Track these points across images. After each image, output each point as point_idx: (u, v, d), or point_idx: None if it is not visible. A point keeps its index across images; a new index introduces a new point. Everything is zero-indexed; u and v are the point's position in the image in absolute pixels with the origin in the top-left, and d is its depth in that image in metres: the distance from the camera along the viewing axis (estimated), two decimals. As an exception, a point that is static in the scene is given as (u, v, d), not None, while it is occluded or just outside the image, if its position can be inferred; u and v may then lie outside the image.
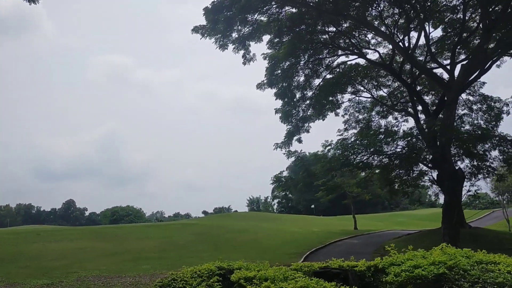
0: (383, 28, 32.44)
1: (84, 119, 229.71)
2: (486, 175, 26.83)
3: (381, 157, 23.43)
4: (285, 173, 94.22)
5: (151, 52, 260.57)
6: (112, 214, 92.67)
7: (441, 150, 21.02)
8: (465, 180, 21.94)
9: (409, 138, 23.27)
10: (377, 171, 28.61)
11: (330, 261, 9.20)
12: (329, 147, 24.81)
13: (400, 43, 27.26)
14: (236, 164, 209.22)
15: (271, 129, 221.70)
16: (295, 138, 28.11)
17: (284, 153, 27.02)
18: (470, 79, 22.41)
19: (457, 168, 23.19)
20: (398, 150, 25.37)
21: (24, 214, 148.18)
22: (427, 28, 27.88)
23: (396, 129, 31.53)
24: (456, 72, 25.65)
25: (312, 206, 79.65)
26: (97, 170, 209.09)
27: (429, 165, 26.56)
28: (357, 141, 23.13)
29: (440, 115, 26.87)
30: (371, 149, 22.10)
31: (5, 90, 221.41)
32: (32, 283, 15.11)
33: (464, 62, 24.93)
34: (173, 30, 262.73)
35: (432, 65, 28.36)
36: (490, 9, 22.02)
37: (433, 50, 30.08)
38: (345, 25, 30.29)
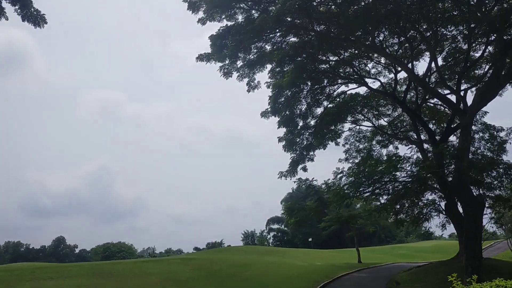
0: (382, 59, 32.71)
1: (75, 154, 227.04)
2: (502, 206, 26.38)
3: (391, 184, 22.83)
4: (281, 207, 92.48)
5: (142, 87, 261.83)
6: (104, 250, 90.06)
7: (458, 176, 20.47)
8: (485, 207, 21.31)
9: (421, 165, 22.73)
10: (382, 201, 27.99)
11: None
12: (341, 175, 24.24)
13: (404, 70, 27.25)
14: (227, 198, 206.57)
15: (262, 162, 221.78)
16: (300, 166, 27.50)
17: (294, 181, 26.35)
18: (485, 103, 22.18)
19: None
20: (403, 179, 24.86)
21: (12, 252, 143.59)
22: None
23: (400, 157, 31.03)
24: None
25: (310, 239, 78.10)
26: (87, 205, 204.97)
27: (438, 193, 26.03)
28: (369, 169, 22.56)
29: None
30: (386, 177, 21.56)
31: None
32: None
33: (478, 86, 24.89)
34: (164, 66, 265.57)
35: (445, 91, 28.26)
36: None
37: (433, 78, 30.23)
38: (346, 55, 30.40)
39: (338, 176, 23.69)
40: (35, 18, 13.85)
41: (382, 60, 32.26)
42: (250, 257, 41.63)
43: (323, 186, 27.28)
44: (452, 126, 27.99)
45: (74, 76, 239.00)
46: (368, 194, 22.73)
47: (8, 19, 13.77)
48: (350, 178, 22.50)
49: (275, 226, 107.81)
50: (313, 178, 28.08)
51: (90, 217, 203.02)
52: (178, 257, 47.59)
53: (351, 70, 31.75)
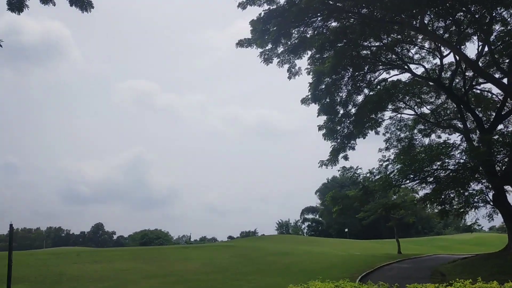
0: (426, 44, 31.56)
1: (111, 144, 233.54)
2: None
3: (439, 173, 22.03)
4: (316, 197, 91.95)
5: (175, 77, 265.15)
6: (141, 237, 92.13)
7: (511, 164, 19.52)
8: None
9: (471, 153, 21.82)
10: (427, 190, 27.15)
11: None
12: (387, 163, 23.57)
13: (455, 53, 26.09)
14: (259, 187, 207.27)
15: (295, 152, 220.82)
16: (341, 155, 27.00)
17: (338, 170, 25.83)
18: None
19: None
20: (452, 167, 23.97)
21: (54, 237, 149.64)
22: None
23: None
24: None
25: (346, 229, 77.25)
26: (123, 193, 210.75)
27: (485, 183, 24.98)
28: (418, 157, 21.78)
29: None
30: (434, 164, 20.82)
31: (34, 115, 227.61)
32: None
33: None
34: (197, 56, 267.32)
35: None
36: None
37: (479, 63, 28.90)
38: (388, 40, 29.51)
39: (384, 164, 23.04)
40: (82, 3, 13.93)
41: (426, 45, 31.13)
42: (286, 245, 41.56)
43: (368, 174, 26.69)
44: (502, 113, 26.69)
45: (108, 67, 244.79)
46: (416, 182, 21.99)
47: (55, 4, 13.89)
48: (397, 166, 21.83)
49: (310, 216, 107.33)
50: (357, 166, 27.47)
51: (126, 204, 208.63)
52: (216, 244, 48.16)
53: (393, 56, 30.85)
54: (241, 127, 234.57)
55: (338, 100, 28.46)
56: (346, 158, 27.12)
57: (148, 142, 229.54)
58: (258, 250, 32.34)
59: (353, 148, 27.72)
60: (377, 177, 23.35)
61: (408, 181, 21.87)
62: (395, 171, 21.71)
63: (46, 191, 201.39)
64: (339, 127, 27.57)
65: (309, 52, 27.09)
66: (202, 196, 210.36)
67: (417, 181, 22.16)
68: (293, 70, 24.68)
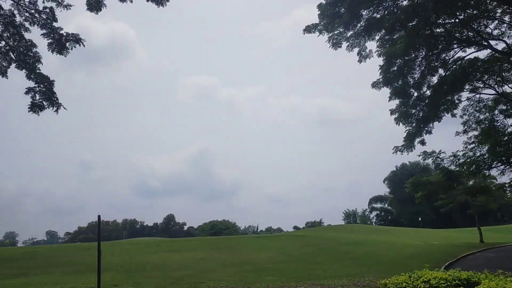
0: (507, 18, 29.15)
1: (177, 138, 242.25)
2: None
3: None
4: (384, 185, 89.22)
5: (234, 71, 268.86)
6: (211, 227, 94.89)
7: None
8: None
9: None
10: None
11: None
12: (472, 145, 22.05)
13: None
14: (323, 178, 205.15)
15: (357, 140, 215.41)
16: (417, 140, 25.73)
17: (419, 155, 24.64)
18: None
19: None
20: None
21: (129, 228, 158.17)
22: None
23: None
24: None
25: (419, 218, 74.35)
26: (190, 186, 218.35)
27: None
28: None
29: None
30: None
31: (105, 114, 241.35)
32: (165, 292, 14.80)
33: None
34: (254, 49, 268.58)
35: None
36: None
37: None
38: (464, 15, 27.62)
39: (469, 146, 21.58)
40: (158, -2, 14.22)
41: (507, 18, 28.79)
42: (358, 235, 40.67)
43: (451, 158, 25.22)
44: None
45: (171, 64, 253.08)
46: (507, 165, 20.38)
47: (132, 1, 14.29)
48: (484, 147, 20.34)
49: (378, 205, 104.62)
50: (440, 150, 26.02)
51: (193, 196, 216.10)
52: (287, 233, 48.27)
53: (470, 33, 28.84)
54: (302, 117, 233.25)
55: (411, 82, 27.11)
56: (423, 143, 25.78)
57: (211, 135, 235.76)
58: (329, 240, 31.89)
59: (430, 132, 26.27)
60: (461, 160, 21.89)
61: (500, 164, 20.24)
62: (484, 153, 20.18)
63: (119, 186, 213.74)
64: (414, 110, 26.25)
65: (378, 34, 26.11)
66: (265, 187, 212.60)
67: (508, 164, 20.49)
68: (363, 53, 23.83)
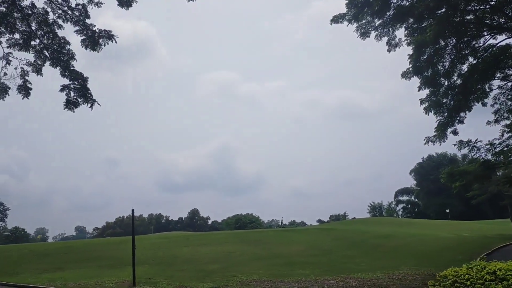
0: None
1: (199, 134, 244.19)
2: None
3: None
4: (411, 178, 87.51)
5: (254, 66, 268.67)
6: (236, 221, 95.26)
7: None
8: None
9: None
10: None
11: None
12: (510, 133, 21.34)
13: None
14: (345, 171, 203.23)
15: (380, 133, 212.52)
16: (449, 130, 25.10)
17: (455, 144, 24.02)
18: None
19: None
20: None
21: (155, 223, 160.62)
22: None
23: None
24: None
25: (447, 210, 72.98)
26: (213, 181, 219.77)
27: None
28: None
29: None
30: None
31: (129, 112, 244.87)
32: (199, 286, 14.86)
33: None
34: (274, 42, 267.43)
35: None
36: None
37: None
38: (495, 1, 26.74)
39: (506, 135, 20.90)
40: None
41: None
42: (386, 228, 40.16)
43: (488, 146, 24.52)
44: None
45: (192, 60, 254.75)
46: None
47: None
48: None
49: (404, 198, 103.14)
50: (476, 139, 25.33)
51: (216, 191, 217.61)
52: (316, 227, 48.07)
53: (501, 19, 27.90)
54: (323, 111, 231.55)
55: (441, 71, 26.44)
56: (455, 132, 25.14)
57: (233, 130, 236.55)
58: (358, 233, 31.56)
59: (462, 122, 25.56)
60: (497, 149, 21.23)
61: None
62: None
63: (144, 181, 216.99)
64: (445, 100, 25.60)
65: (407, 23, 25.55)
66: (288, 181, 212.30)
67: None
68: (392, 42, 23.32)
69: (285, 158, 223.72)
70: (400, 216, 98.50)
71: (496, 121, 31.58)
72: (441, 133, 24.81)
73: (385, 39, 23.19)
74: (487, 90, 30.58)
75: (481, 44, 29.07)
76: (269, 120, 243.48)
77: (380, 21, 22.20)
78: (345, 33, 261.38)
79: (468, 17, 27.53)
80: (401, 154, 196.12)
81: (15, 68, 14.28)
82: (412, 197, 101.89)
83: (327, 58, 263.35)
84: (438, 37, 23.82)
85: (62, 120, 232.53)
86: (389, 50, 23.50)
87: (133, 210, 16.76)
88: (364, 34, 22.50)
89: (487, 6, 26.71)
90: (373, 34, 22.78)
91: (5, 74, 14.22)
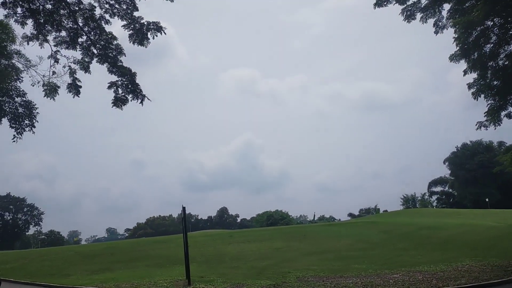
0: None
1: (222, 132, 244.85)
2: None
3: None
4: (444, 167, 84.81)
5: (274, 62, 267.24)
6: (267, 218, 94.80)
7: None
8: None
9: None
10: None
11: None
12: None
13: None
14: (371, 164, 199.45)
15: (405, 124, 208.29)
16: (503, 113, 23.89)
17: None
18: None
19: None
20: None
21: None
22: None
23: None
24: None
25: (487, 199, 70.69)
26: (238, 179, 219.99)
27: None
28: None
29: None
30: None
31: (152, 114, 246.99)
32: (257, 284, 14.35)
33: None
34: (293, 37, 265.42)
35: None
36: None
37: None
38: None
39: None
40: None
41: None
42: (429, 219, 38.93)
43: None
44: None
45: (211, 59, 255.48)
46: None
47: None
48: None
49: (438, 189, 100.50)
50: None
51: (241, 189, 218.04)
52: (360, 220, 47.04)
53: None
54: (346, 104, 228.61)
55: (488, 53, 25.16)
56: (510, 116, 23.93)
57: (255, 127, 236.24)
58: (404, 226, 30.55)
59: (515, 105, 24.35)
60: None
61: None
62: None
63: (170, 182, 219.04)
64: (496, 82, 24.35)
65: (450, 4, 24.43)
66: (313, 176, 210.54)
67: None
68: (439, 23, 22.32)
69: (309, 154, 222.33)
70: (435, 207, 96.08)
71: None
72: (495, 116, 23.63)
73: (431, 21, 22.19)
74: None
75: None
76: (291, 115, 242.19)
77: (426, 1, 21.20)
78: (363, 26, 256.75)
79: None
80: (429, 145, 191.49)
81: (64, 67, 14.05)
82: (446, 188, 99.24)
83: (347, 51, 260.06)
84: (487, 17, 22.64)
85: (87, 123, 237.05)
86: (436, 32, 22.55)
87: (184, 208, 16.38)
88: (409, 17, 21.62)
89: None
90: (418, 16, 21.85)
91: (53, 73, 14.00)
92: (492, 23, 24.27)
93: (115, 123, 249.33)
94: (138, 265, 20.55)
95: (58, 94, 14.50)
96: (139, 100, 13.71)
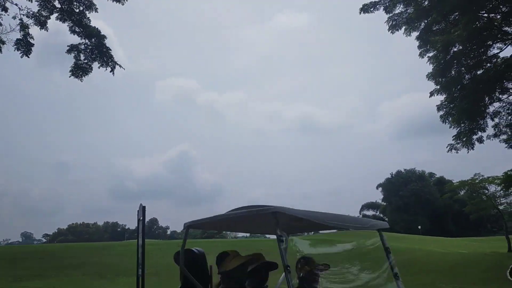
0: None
1: (156, 141, 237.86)
2: None
3: None
4: (378, 192, 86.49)
5: (215, 75, 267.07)
6: (202, 231, 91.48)
7: None
8: None
9: None
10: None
11: None
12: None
13: None
14: (303, 185, 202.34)
15: (338, 149, 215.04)
16: (475, 137, 23.74)
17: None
18: None
19: None
20: None
21: (111, 231, 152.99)
22: None
23: None
24: None
25: (419, 226, 72.97)
26: (169, 190, 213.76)
27: None
28: None
29: None
30: None
31: (83, 116, 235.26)
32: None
33: None
34: (235, 53, 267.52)
35: None
36: None
37: None
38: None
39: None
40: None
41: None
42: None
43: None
44: None
45: (150, 65, 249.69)
46: None
47: None
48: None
49: (370, 213, 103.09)
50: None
51: (172, 200, 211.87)
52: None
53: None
54: (283, 124, 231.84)
55: (456, 75, 25.09)
56: (480, 140, 23.86)
57: (192, 139, 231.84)
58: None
59: (484, 130, 24.36)
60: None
61: None
62: None
63: (96, 188, 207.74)
64: (465, 106, 24.20)
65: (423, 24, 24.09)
66: (246, 193, 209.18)
67: None
68: (423, 37, 21.82)
69: (243, 170, 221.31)
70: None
71: (495, 135, 30.61)
72: (466, 140, 23.38)
73: (414, 34, 21.62)
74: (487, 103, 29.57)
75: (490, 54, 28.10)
76: (228, 130, 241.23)
77: (412, 12, 20.57)
78: (305, 49, 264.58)
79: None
80: (364, 170, 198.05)
81: (14, 18, 11.16)
82: (378, 212, 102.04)
83: (287, 73, 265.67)
84: (469, 37, 22.41)
85: (10, 120, 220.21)
86: (420, 47, 21.89)
87: (144, 207, 13.76)
88: (394, 27, 20.88)
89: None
90: (403, 28, 21.21)
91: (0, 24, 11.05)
92: (468, 45, 24.24)
93: (40, 124, 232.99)
94: (73, 274, 17.37)
95: (1, 52, 11.51)
96: (109, 68, 11.15)
